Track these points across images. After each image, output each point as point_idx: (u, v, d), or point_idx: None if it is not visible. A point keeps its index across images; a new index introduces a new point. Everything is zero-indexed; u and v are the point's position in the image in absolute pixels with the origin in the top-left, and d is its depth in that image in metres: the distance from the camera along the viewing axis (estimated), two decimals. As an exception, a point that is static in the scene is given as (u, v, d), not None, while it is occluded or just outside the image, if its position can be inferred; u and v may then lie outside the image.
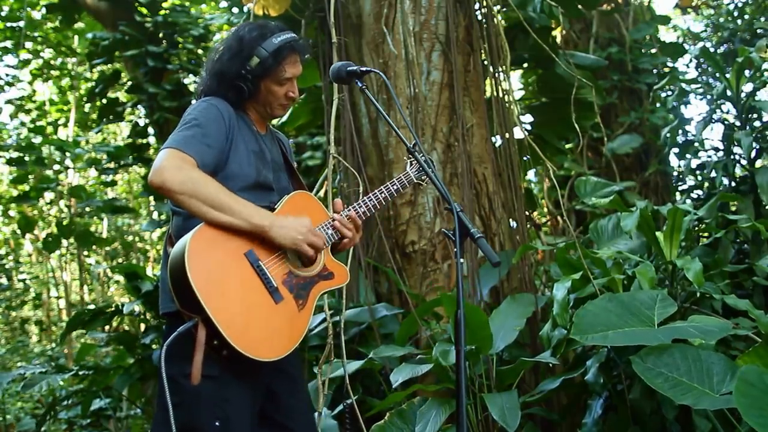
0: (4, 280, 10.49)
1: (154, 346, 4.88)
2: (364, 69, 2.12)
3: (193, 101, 2.13)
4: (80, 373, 4.93)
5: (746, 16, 7.67)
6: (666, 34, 10.31)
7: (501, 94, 4.37)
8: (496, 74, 4.39)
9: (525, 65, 6.25)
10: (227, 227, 1.87)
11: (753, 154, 4.28)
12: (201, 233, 1.84)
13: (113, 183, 9.63)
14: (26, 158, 7.84)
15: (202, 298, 1.76)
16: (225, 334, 1.77)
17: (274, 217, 1.93)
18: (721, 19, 8.11)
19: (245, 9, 5.12)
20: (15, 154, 8.22)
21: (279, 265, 1.96)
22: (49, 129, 10.85)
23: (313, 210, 2.12)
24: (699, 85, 5.18)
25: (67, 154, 7.99)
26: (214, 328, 1.77)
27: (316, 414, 2.88)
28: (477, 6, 4.50)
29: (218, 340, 1.79)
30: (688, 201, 4.95)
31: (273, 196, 2.10)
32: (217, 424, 1.85)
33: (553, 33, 6.58)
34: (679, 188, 6.24)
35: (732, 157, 4.35)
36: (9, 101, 10.59)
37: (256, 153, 2.08)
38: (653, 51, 7.79)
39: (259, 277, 1.90)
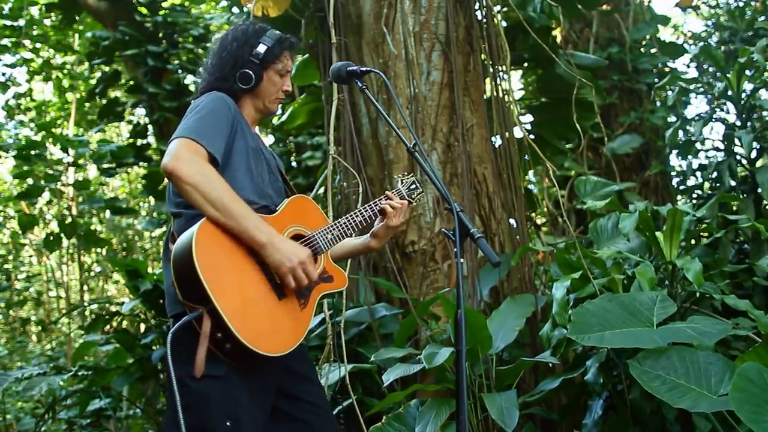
0: (3, 279, 10.48)
1: (154, 347, 4.88)
2: (364, 69, 2.14)
3: (192, 99, 2.15)
4: (80, 373, 4.93)
5: (746, 16, 7.66)
6: (666, 34, 10.31)
7: (501, 94, 4.37)
8: (496, 74, 4.39)
9: (525, 65, 6.24)
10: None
11: (754, 153, 4.28)
12: (208, 224, 1.84)
13: (114, 174, 9.59)
14: (31, 153, 7.82)
15: (209, 287, 1.75)
16: (230, 325, 1.76)
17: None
18: (722, 19, 8.11)
19: (245, 9, 5.12)
20: (16, 154, 8.21)
21: None
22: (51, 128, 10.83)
23: (312, 215, 2.14)
24: (699, 85, 5.18)
25: (70, 152, 7.98)
26: (220, 319, 1.76)
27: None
28: (477, 6, 4.49)
29: (222, 332, 1.78)
30: (689, 201, 4.94)
31: (269, 195, 2.10)
32: (228, 424, 1.83)
33: (553, 33, 6.58)
34: (680, 188, 6.24)
35: (733, 156, 4.35)
36: (6, 103, 10.58)
37: (254, 150, 2.10)
38: (653, 51, 7.79)
39: (263, 273, 1.91)
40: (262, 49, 2.13)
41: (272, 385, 2.00)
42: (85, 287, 11.72)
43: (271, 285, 1.91)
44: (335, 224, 2.13)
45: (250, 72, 2.12)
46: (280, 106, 2.29)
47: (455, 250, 1.80)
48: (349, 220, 2.16)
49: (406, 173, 2.36)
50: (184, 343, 1.80)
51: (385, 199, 2.23)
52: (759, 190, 4.08)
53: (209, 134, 1.92)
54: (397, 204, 2.22)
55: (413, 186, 2.32)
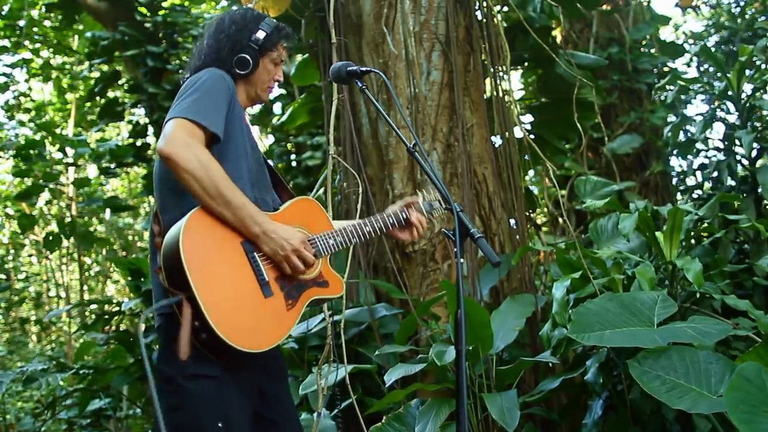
0: (3, 279, 10.48)
1: (154, 347, 4.88)
2: (364, 69, 2.11)
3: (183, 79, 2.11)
4: (81, 372, 4.93)
5: (746, 16, 7.67)
6: (666, 34, 10.31)
7: (501, 94, 4.37)
8: (496, 74, 4.39)
9: (525, 65, 6.24)
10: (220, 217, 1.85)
11: (754, 153, 4.28)
12: (201, 213, 1.82)
13: (116, 175, 9.59)
14: (31, 152, 7.81)
15: (191, 275, 1.72)
16: (207, 316, 1.72)
17: (268, 225, 1.88)
18: (722, 19, 8.11)
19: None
20: (15, 153, 8.21)
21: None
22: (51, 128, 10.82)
23: (317, 219, 2.08)
24: (699, 85, 5.18)
25: (70, 152, 7.98)
26: (197, 308, 1.73)
27: (315, 414, 2.89)
28: (477, 6, 4.49)
29: (199, 321, 1.74)
30: (689, 201, 4.94)
31: (262, 188, 2.06)
32: (220, 425, 1.81)
33: (553, 33, 6.58)
34: (680, 188, 6.24)
35: (733, 156, 4.35)
36: (6, 102, 10.57)
37: (248, 136, 2.07)
38: (653, 51, 7.79)
39: (251, 268, 1.87)
40: (261, 35, 2.08)
41: (256, 384, 1.99)
42: (85, 287, 11.72)
43: (259, 282, 1.87)
44: (340, 231, 2.07)
45: (248, 57, 2.07)
46: (270, 95, 2.25)
47: (455, 250, 1.80)
48: (356, 229, 2.09)
49: (427, 192, 2.28)
50: (176, 343, 1.76)
51: (405, 213, 2.18)
52: (759, 190, 4.08)
53: (208, 112, 1.87)
54: (421, 230, 2.21)
55: (435, 205, 2.26)
